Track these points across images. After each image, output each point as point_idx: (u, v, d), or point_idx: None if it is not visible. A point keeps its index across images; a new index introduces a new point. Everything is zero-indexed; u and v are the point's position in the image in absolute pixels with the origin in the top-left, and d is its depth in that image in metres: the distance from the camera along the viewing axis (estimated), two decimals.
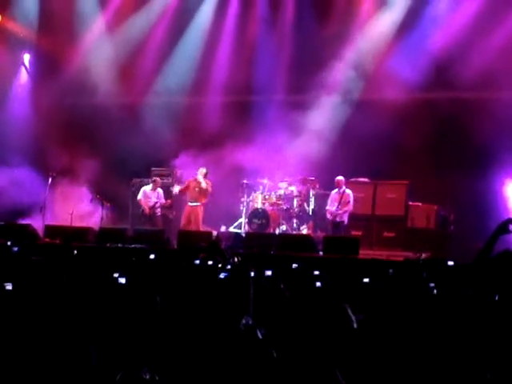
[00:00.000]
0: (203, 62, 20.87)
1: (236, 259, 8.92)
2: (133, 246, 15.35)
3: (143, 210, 18.59)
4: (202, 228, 17.75)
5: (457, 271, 7.95)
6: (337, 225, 17.37)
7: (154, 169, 19.71)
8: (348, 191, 17.48)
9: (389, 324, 4.91)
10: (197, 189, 17.87)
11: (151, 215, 18.52)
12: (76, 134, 19.97)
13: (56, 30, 20.65)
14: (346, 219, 17.45)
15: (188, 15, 21.04)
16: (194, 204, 17.90)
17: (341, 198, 17.43)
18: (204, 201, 18.00)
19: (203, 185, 17.80)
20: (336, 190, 17.62)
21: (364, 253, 15.55)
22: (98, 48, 20.98)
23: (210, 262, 9.25)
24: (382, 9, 19.61)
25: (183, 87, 20.72)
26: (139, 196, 18.74)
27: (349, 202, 17.37)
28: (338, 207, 17.38)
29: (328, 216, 17.59)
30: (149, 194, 18.67)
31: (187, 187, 18.18)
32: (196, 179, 17.95)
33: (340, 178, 17.55)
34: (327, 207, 17.70)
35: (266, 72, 19.99)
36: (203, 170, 17.93)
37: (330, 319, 4.64)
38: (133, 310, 5.42)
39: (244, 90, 20.38)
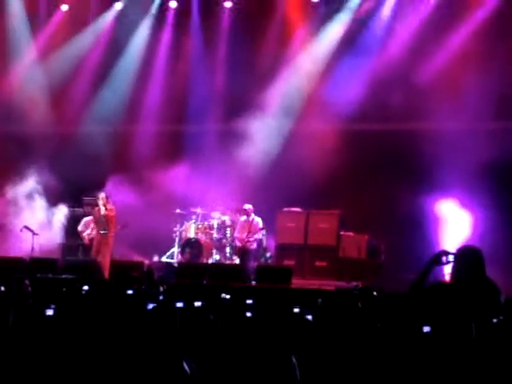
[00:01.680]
0: (136, 90, 20.87)
1: (162, 289, 8.89)
2: (64, 276, 15.15)
3: (83, 241, 18.25)
4: (110, 258, 17.09)
5: (383, 301, 8.04)
6: (246, 252, 17.55)
7: (85, 198, 19.47)
8: (257, 219, 17.67)
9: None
10: (102, 218, 17.22)
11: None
12: (7, 163, 19.64)
13: None
14: (255, 246, 17.75)
15: (122, 43, 21.03)
16: (103, 232, 17.20)
17: (250, 225, 17.55)
18: (112, 228, 17.23)
19: (102, 212, 17.10)
20: (244, 217, 17.77)
21: (296, 282, 15.63)
22: (30, 76, 20.81)
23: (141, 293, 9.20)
24: (315, 37, 19.83)
25: (116, 116, 20.64)
26: (80, 227, 18.39)
27: (258, 230, 17.51)
28: (247, 235, 17.50)
29: (238, 243, 17.76)
30: (90, 225, 18.28)
31: (94, 218, 17.57)
32: (98, 209, 17.29)
33: (248, 206, 17.69)
34: (236, 234, 17.92)
35: (200, 101, 20.09)
36: (102, 196, 17.23)
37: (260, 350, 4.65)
38: (61, 342, 5.36)
39: (177, 119, 20.45)
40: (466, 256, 6.44)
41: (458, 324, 6.00)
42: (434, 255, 6.56)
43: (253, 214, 17.63)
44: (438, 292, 6.34)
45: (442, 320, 6.21)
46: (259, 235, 17.67)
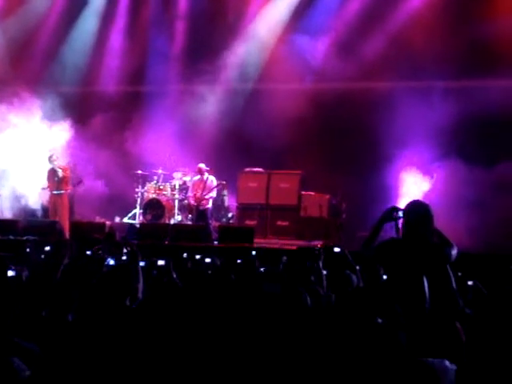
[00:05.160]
0: (95, 51, 20.69)
1: (125, 249, 8.93)
2: (25, 237, 15.11)
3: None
4: (69, 218, 17.16)
5: (343, 258, 8.17)
6: (202, 212, 17.35)
7: None
8: (211, 177, 17.47)
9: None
10: (55, 178, 17.08)
11: None
12: None
13: None
14: (210, 206, 17.50)
15: (81, 3, 20.81)
16: (56, 192, 17.07)
17: (204, 184, 17.46)
18: (66, 188, 17.17)
19: (58, 173, 17.03)
20: (198, 176, 17.59)
21: (258, 241, 15.75)
22: None
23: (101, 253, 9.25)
24: None
25: (75, 76, 20.46)
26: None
27: (213, 188, 17.44)
28: (202, 193, 17.37)
29: (192, 202, 17.53)
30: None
31: (48, 180, 17.35)
32: (52, 168, 17.20)
33: (202, 165, 17.51)
34: (189, 194, 17.73)
35: (160, 61, 19.99)
36: (53, 155, 17.21)
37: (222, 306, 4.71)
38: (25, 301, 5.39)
39: (137, 79, 20.36)
40: (415, 211, 6.51)
41: (409, 276, 6.16)
42: (385, 212, 6.64)
43: (207, 173, 17.48)
44: (389, 248, 6.47)
45: (394, 273, 6.36)
46: (214, 193, 17.51)
